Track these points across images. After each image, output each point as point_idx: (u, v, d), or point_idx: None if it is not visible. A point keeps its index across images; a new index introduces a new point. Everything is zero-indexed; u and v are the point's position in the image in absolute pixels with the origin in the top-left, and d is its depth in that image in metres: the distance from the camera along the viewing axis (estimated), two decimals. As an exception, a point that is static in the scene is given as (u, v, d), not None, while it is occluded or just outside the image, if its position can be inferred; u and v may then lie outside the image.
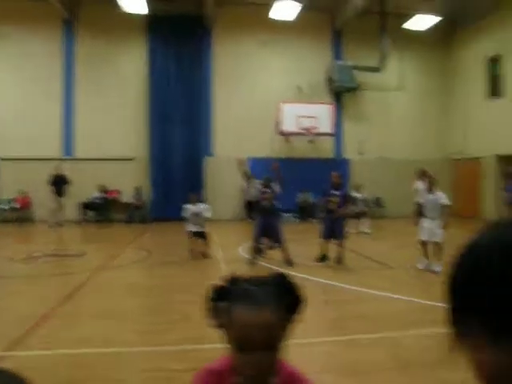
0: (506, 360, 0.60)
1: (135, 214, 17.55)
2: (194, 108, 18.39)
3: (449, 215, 8.62)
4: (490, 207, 17.46)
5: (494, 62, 17.96)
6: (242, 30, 18.65)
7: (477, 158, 18.49)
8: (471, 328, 0.62)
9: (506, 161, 16.99)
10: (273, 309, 1.12)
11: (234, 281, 1.20)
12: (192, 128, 18.36)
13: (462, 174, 19.35)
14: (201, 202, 10.10)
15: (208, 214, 9.56)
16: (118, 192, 17.80)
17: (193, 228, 9.50)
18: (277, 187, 9.63)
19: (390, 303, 6.37)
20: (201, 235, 9.49)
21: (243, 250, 10.75)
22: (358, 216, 14.27)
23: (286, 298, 1.17)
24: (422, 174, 12.24)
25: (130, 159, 18.02)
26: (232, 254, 10.32)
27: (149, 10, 16.82)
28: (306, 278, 7.81)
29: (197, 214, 9.36)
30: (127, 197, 17.72)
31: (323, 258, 9.20)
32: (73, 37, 18.03)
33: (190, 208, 9.47)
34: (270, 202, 9.22)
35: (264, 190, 9.44)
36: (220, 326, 1.17)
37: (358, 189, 15.14)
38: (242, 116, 18.63)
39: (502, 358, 0.60)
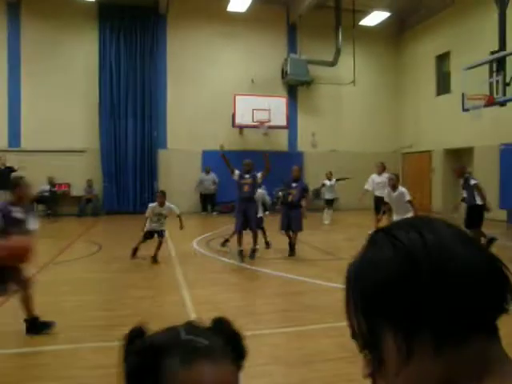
0: (442, 370, 0.61)
1: (86, 208, 17.14)
2: (147, 99, 18.06)
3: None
4: (438, 200, 18.08)
5: (443, 59, 18.52)
6: (197, 21, 18.42)
7: (427, 152, 19.06)
8: (410, 339, 0.62)
9: (453, 154, 17.69)
10: (229, 364, 0.81)
11: (170, 332, 0.81)
12: (145, 120, 18.05)
13: (413, 168, 19.90)
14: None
15: (177, 211, 9.10)
16: (68, 185, 17.29)
17: (153, 227, 8.86)
18: (259, 176, 9.40)
19: (339, 294, 6.47)
20: (159, 234, 8.88)
21: (197, 244, 10.71)
22: (331, 203, 15.26)
23: (232, 348, 0.85)
24: (381, 168, 12.52)
25: (82, 151, 17.53)
26: (186, 248, 10.24)
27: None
28: (259, 270, 7.87)
29: (160, 214, 8.86)
30: (78, 190, 17.24)
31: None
32: (18, 22, 17.16)
33: (154, 207, 8.87)
34: (249, 190, 9.05)
35: (245, 175, 9.31)
36: None
37: (329, 177, 15.43)
38: (195, 108, 18.45)
39: (442, 368, 0.61)
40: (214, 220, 16.27)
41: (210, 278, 7.52)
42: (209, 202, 18.17)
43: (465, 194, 9.27)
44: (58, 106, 17.36)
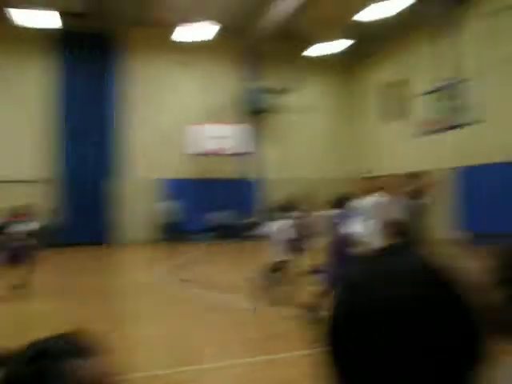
0: None
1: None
2: (104, 128, 17.72)
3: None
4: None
5: (397, 86, 18.99)
6: (154, 50, 18.32)
7: (383, 177, 19.32)
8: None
9: (412, 178, 18.01)
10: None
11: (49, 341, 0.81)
12: (101, 149, 17.64)
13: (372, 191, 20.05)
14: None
15: (35, 227, 8.57)
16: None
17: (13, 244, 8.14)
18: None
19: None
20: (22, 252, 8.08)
21: (157, 274, 10.31)
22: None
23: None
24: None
25: (34, 181, 16.82)
26: (143, 278, 9.84)
27: (57, 25, 15.79)
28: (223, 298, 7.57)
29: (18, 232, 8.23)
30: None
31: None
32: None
33: (16, 225, 8.32)
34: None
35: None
36: None
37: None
38: (152, 136, 18.16)
39: None
40: (176, 249, 15.77)
41: (168, 309, 7.16)
42: (170, 231, 17.66)
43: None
44: (13, 136, 16.68)
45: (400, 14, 16.17)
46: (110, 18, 17.13)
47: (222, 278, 9.64)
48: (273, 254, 7.19)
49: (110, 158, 17.81)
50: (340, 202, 6.30)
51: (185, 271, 9.81)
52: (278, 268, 7.17)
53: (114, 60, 18.07)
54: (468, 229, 14.65)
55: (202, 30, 16.94)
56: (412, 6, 14.97)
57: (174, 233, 17.58)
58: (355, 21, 17.78)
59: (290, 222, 7.40)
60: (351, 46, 20.29)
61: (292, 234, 7.29)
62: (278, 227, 7.27)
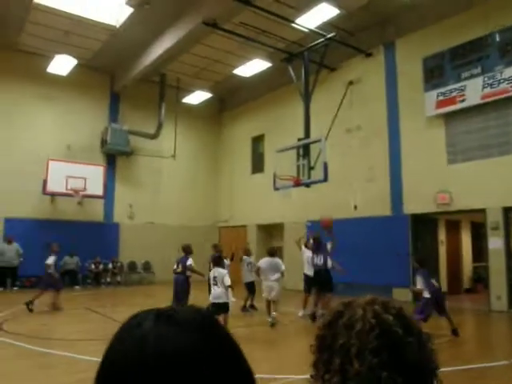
0: None
1: None
2: None
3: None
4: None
5: (258, 140, 19.98)
6: (15, 79, 17.09)
7: (242, 226, 19.88)
8: None
9: (266, 229, 18.89)
10: None
11: None
12: None
13: (229, 241, 20.33)
14: None
15: None
16: None
17: None
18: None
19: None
20: None
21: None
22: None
23: None
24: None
25: None
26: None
27: None
28: (52, 352, 6.98)
29: None
30: None
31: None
32: None
33: None
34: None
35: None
36: None
37: (248, 254, 12.96)
38: (4, 172, 16.63)
39: None
40: (13, 297, 14.35)
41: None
42: (9, 276, 16.10)
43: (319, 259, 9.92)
44: None
45: (266, 74, 17.32)
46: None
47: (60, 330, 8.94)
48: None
49: None
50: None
51: (16, 324, 8.89)
52: None
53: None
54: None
55: (68, 64, 16.37)
56: (278, 68, 16.11)
57: (17, 279, 16.03)
58: (225, 74, 18.68)
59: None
60: (220, 98, 21.09)
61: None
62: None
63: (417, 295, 8.86)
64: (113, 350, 0.67)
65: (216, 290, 8.18)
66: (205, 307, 0.73)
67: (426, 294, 8.19)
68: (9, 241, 16.05)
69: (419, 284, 8.27)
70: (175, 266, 10.04)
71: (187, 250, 10.10)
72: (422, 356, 0.91)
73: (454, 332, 8.13)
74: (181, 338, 0.64)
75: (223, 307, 8.08)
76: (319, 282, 9.99)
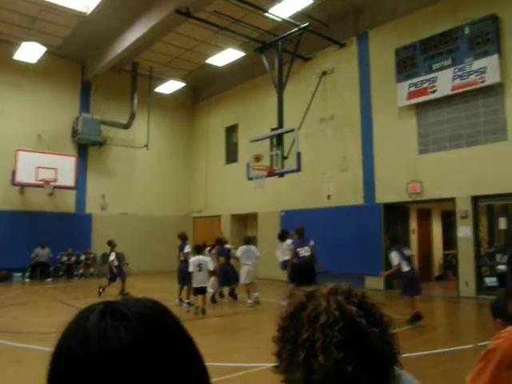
0: None
1: None
2: None
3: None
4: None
5: (232, 130, 19.91)
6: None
7: (216, 216, 19.86)
8: None
9: (240, 219, 18.97)
10: None
11: None
12: None
13: (203, 231, 20.27)
14: None
15: None
16: None
17: None
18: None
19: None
20: None
21: None
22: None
23: None
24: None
25: None
26: None
27: None
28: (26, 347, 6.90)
29: None
30: None
31: None
32: None
33: None
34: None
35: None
36: None
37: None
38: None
39: None
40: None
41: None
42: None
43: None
44: None
45: (240, 64, 17.21)
46: None
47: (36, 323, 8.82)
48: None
49: None
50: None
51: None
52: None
53: None
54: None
55: (36, 51, 15.94)
56: (251, 58, 16.03)
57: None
58: (198, 63, 18.50)
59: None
60: (194, 87, 20.88)
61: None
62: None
63: (394, 274, 8.79)
64: (59, 344, 0.68)
65: (200, 276, 9.39)
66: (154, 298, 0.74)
67: (406, 267, 8.20)
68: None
69: (396, 259, 8.23)
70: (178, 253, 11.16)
71: (183, 237, 11.15)
72: (384, 344, 0.93)
73: (416, 317, 8.06)
74: (124, 331, 0.64)
75: (204, 290, 9.59)
76: (306, 274, 9.70)
